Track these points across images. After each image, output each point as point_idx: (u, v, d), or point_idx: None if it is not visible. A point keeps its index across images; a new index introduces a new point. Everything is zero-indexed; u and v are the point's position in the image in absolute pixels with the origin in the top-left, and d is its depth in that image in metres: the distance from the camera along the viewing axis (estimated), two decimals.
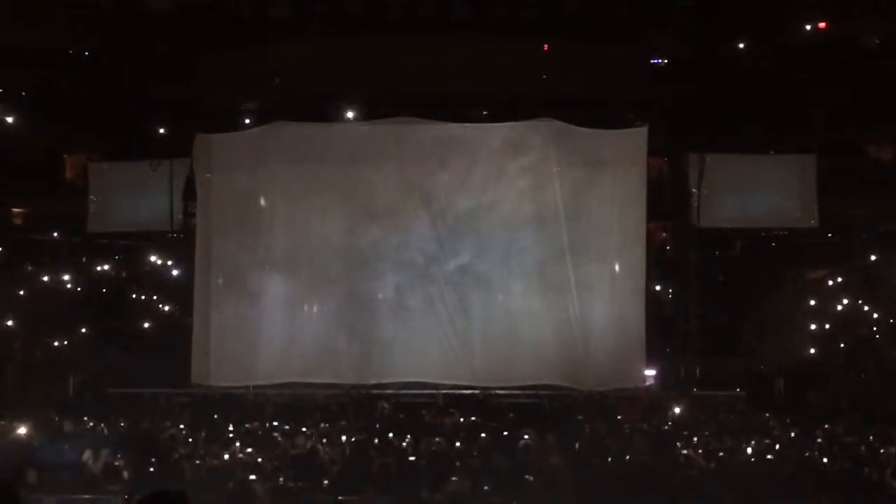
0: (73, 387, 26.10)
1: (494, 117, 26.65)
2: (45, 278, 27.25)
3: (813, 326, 26.30)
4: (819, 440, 21.83)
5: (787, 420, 23.07)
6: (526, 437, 21.83)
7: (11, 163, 26.96)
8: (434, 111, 26.08)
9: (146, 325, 27.61)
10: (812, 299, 26.66)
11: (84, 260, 28.09)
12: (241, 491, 19.56)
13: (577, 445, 21.62)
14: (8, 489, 6.73)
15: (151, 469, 20.65)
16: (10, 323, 26.59)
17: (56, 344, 27.05)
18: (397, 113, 26.16)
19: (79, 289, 27.72)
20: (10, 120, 27.21)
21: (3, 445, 21.07)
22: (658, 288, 26.95)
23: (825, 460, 20.81)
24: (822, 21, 28.38)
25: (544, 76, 26.58)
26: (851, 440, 21.41)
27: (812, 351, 26.06)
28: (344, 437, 21.95)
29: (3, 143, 26.83)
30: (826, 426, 22.49)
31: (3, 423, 22.39)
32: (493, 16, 27.37)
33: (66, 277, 27.33)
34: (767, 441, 21.69)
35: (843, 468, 20.40)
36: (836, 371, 25.50)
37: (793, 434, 22.24)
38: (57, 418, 23.30)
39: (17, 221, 28.83)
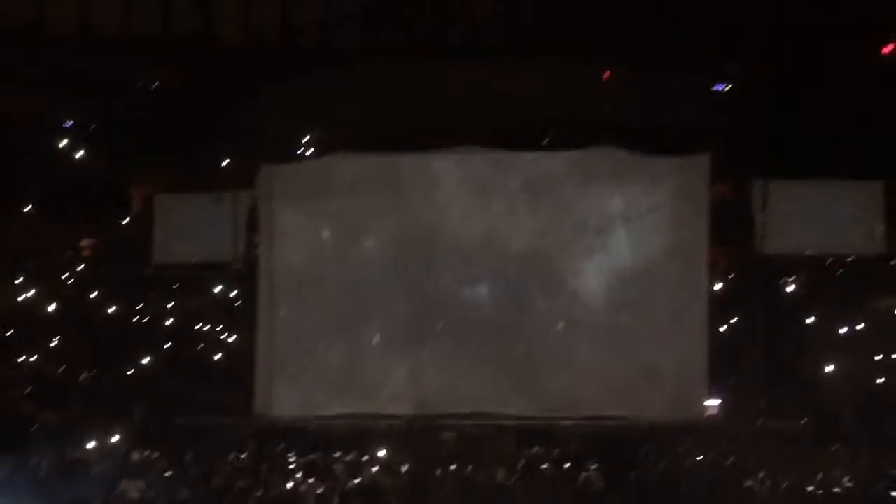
0: (139, 417, 26.42)
1: (556, 145, 26.55)
2: (112, 309, 27.65)
3: (880, 356, 25.83)
4: (889, 473, 21.48)
5: (856, 453, 22.69)
6: (588, 468, 21.76)
7: (79, 194, 27.37)
8: (496, 139, 26.06)
9: (211, 355, 27.88)
10: (880, 327, 26.18)
11: (150, 291, 28.40)
12: None
13: (639, 477, 21.51)
14: None
15: (215, 500, 20.94)
16: (77, 353, 27.09)
17: (122, 374, 27.42)
18: (460, 142, 26.15)
19: (145, 319, 28.09)
20: (79, 152, 27.66)
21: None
22: (722, 316, 26.56)
23: (894, 493, 20.48)
24: (889, 44, 27.94)
25: (606, 103, 26.42)
26: None
27: (881, 381, 25.59)
28: (405, 468, 22.00)
29: (72, 175, 27.28)
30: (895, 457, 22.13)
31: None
32: (556, 41, 27.31)
33: (133, 308, 27.74)
34: (835, 474, 21.38)
35: None
36: None
37: (862, 467, 21.90)
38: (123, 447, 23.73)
39: (86, 253, 29.25)
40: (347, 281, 26.29)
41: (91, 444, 23.32)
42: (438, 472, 22.05)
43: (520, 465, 22.34)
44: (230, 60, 28.56)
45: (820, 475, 21.27)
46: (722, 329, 26.23)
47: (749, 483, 21.01)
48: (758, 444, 23.21)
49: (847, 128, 26.10)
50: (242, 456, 23.29)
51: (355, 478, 21.59)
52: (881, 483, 20.87)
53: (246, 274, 27.27)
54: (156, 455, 23.06)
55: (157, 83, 28.70)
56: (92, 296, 27.90)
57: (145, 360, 27.24)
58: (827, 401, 25.24)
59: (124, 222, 28.80)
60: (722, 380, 25.40)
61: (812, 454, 22.63)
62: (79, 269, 28.59)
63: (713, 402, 25.35)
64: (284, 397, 25.80)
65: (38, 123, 27.52)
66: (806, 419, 24.55)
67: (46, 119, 27.75)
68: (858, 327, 26.01)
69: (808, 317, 26.47)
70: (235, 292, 27.90)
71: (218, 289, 28.00)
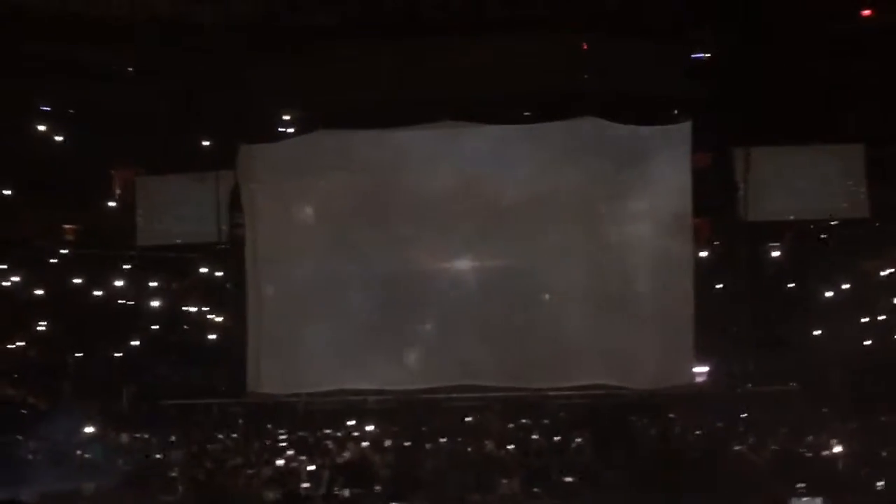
0: (126, 399, 26.37)
1: (536, 118, 26.52)
2: (97, 293, 27.52)
3: (867, 318, 25.92)
4: (877, 433, 21.60)
5: (844, 414, 22.82)
6: (578, 438, 21.81)
7: (60, 179, 27.19)
8: (475, 113, 26.03)
9: (198, 335, 27.79)
10: (865, 290, 26.25)
11: (134, 273, 28.23)
12: (294, 499, 19.75)
13: (629, 445, 21.59)
14: None
15: (206, 479, 20.92)
16: (63, 337, 26.97)
17: (109, 357, 27.31)
18: (438, 117, 26.12)
19: (131, 302, 27.96)
20: (58, 137, 27.46)
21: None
22: (707, 283, 26.60)
23: (884, 453, 20.60)
24: (869, 8, 27.91)
25: (585, 75, 26.36)
26: None
27: (867, 342, 25.69)
28: (394, 443, 22.03)
29: (52, 160, 27.09)
30: (883, 419, 22.24)
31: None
32: (532, 14, 27.21)
33: (117, 291, 27.62)
34: (824, 435, 21.50)
35: None
36: (892, 362, 25.08)
37: (850, 428, 22.02)
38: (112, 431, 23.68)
39: (68, 237, 29.07)
40: (330, 258, 26.30)
41: (80, 428, 23.22)
42: (427, 446, 22.03)
43: (510, 437, 22.33)
44: (209, 41, 28.35)
45: (809, 438, 21.34)
46: (708, 296, 26.29)
47: (738, 447, 21.07)
48: (746, 408, 23.29)
49: (827, 92, 26.10)
50: (234, 435, 23.23)
51: (345, 453, 21.54)
52: (869, 444, 20.96)
53: (231, 253, 27.25)
54: (146, 436, 22.97)
55: (132, 67, 28.43)
56: (76, 280, 27.71)
57: (133, 343, 27.13)
58: (814, 364, 25.31)
59: (107, 205, 28.59)
60: (709, 346, 25.48)
61: (801, 417, 22.69)
62: (63, 253, 28.38)
63: (701, 369, 25.44)
64: (274, 375, 25.82)
65: (16, 108, 27.32)
66: (794, 383, 24.70)
67: (25, 104, 27.52)
68: (844, 288, 26.01)
69: (794, 281, 26.49)
70: (221, 273, 27.77)
71: (203, 269, 27.82)
